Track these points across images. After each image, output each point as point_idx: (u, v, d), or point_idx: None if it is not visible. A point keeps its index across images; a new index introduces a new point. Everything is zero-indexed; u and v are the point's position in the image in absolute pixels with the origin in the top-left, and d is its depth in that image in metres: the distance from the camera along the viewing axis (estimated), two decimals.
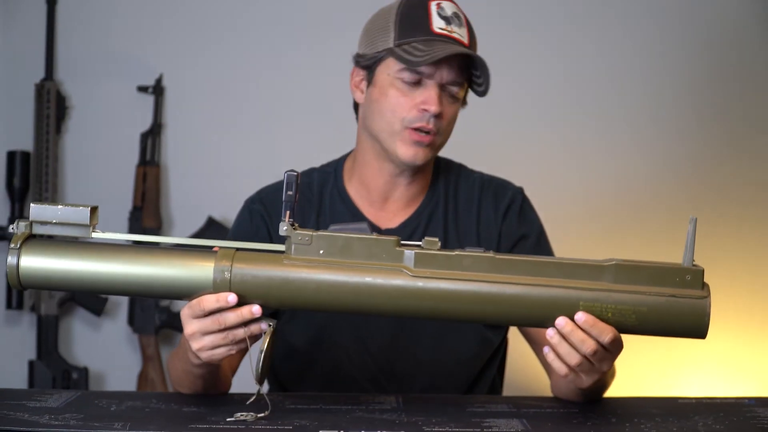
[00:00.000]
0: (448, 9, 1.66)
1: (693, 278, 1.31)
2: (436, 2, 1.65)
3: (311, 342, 1.71)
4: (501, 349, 1.80)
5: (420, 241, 1.35)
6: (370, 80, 1.67)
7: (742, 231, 2.80)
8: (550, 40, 2.79)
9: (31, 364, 2.75)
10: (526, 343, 1.76)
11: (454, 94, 1.65)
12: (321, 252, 1.32)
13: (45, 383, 2.72)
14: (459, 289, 1.31)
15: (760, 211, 2.81)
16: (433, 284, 1.31)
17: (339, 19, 2.77)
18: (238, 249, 1.33)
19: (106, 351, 2.83)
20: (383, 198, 1.73)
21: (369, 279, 1.31)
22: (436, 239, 1.34)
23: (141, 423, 1.34)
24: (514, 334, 1.83)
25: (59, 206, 1.32)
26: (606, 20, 2.80)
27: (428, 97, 1.62)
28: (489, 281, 1.31)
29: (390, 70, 1.64)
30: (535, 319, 1.32)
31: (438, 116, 1.63)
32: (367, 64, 1.67)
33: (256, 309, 1.31)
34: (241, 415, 1.36)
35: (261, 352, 1.31)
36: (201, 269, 1.31)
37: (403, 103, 1.63)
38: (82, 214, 1.31)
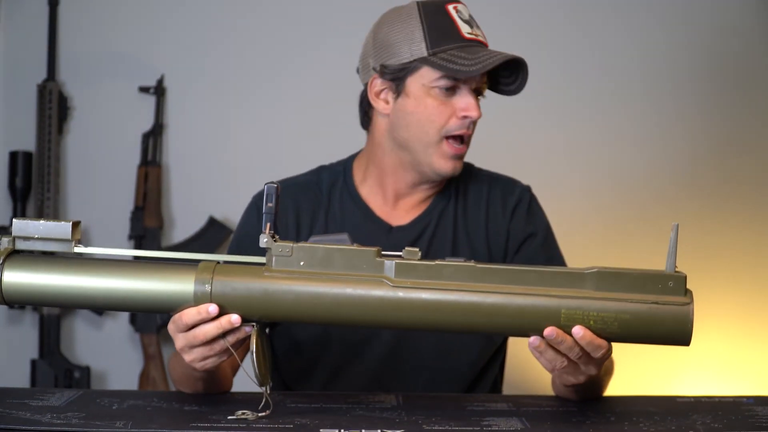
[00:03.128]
0: (464, 12, 1.67)
1: (675, 284, 1.28)
2: (452, 5, 1.65)
3: (316, 341, 1.71)
4: (502, 348, 1.81)
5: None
6: (399, 91, 1.66)
7: (744, 228, 2.80)
8: (551, 39, 2.79)
9: (33, 363, 2.76)
10: (526, 341, 1.76)
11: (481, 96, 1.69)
12: (301, 263, 1.31)
13: (47, 382, 2.73)
14: (440, 299, 1.29)
15: (758, 209, 2.81)
16: (413, 294, 1.29)
17: (341, 20, 2.77)
18: (219, 262, 1.32)
19: (108, 350, 2.84)
20: (397, 198, 1.74)
21: (349, 290, 1.29)
22: (417, 249, 1.32)
23: (142, 422, 1.34)
24: None
25: (41, 221, 1.31)
26: (608, 19, 2.80)
27: (468, 103, 1.64)
28: (470, 290, 1.29)
29: (425, 79, 1.63)
30: (518, 328, 1.30)
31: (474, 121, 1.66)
32: (396, 75, 1.65)
33: (235, 318, 1.30)
34: (242, 414, 1.36)
35: (252, 354, 1.30)
36: (182, 283, 1.30)
37: (442, 111, 1.64)
38: (64, 228, 1.31)
